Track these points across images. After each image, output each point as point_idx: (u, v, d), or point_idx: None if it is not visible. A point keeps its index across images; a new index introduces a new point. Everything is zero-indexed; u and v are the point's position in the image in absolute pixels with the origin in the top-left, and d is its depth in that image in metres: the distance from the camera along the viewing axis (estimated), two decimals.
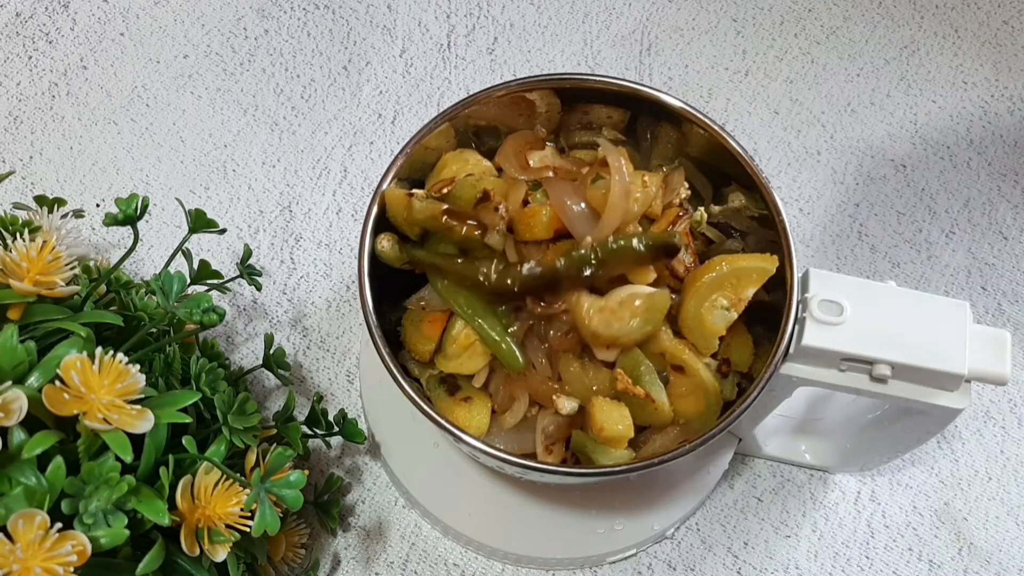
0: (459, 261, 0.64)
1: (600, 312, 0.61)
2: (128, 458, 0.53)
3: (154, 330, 0.65)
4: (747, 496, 0.78)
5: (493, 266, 0.63)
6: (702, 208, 0.68)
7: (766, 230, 0.65)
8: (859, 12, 0.99)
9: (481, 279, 0.63)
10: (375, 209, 0.65)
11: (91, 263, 0.71)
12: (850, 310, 0.59)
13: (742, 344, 0.66)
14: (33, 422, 0.53)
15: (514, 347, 0.63)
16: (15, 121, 0.92)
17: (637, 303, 0.61)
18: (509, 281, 0.62)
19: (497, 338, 0.63)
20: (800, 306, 0.61)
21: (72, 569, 0.49)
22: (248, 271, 0.77)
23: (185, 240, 0.71)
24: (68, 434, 0.54)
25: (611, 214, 0.62)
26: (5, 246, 0.60)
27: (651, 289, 0.62)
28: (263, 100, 0.94)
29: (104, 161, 0.91)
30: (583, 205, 0.63)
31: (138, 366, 0.55)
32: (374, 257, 0.65)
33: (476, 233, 0.64)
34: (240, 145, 0.92)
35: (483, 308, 0.64)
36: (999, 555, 0.76)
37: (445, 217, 0.64)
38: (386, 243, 0.66)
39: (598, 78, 0.69)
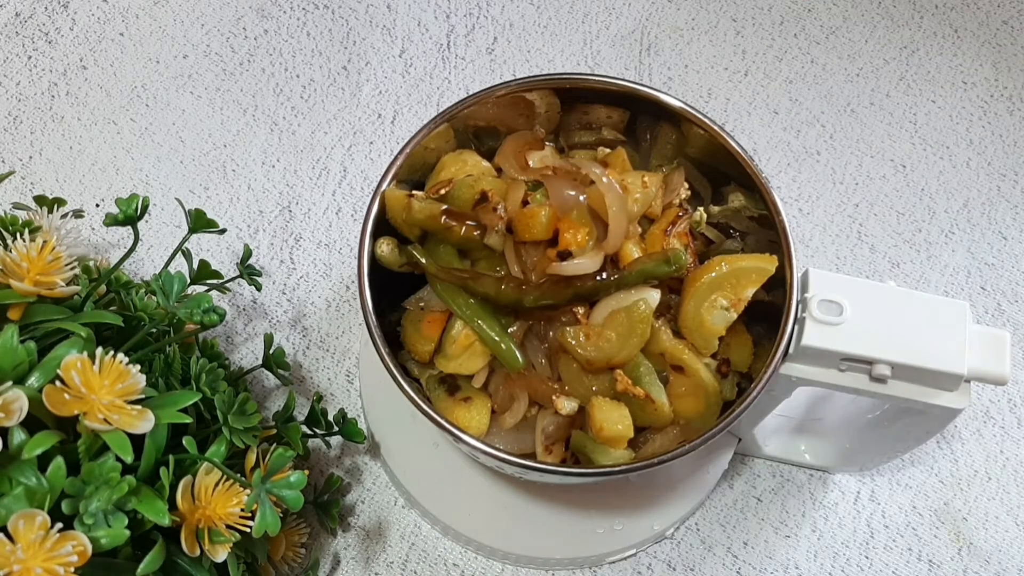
0: (465, 274, 0.64)
1: (587, 338, 0.61)
2: (128, 458, 0.53)
3: (154, 330, 0.64)
4: (747, 496, 0.78)
5: (503, 287, 0.63)
6: (701, 208, 0.68)
7: (766, 230, 0.65)
8: (859, 12, 0.99)
9: (492, 293, 0.63)
10: (375, 209, 0.65)
11: (91, 263, 0.71)
12: (850, 310, 0.59)
13: (742, 344, 0.66)
14: (33, 422, 0.53)
15: (514, 347, 0.63)
16: (15, 121, 0.92)
17: (620, 319, 0.61)
18: (521, 301, 0.63)
19: (497, 338, 0.63)
20: (800, 306, 0.61)
21: (73, 569, 0.49)
22: (248, 271, 0.77)
23: (185, 240, 0.71)
24: (68, 434, 0.54)
25: (616, 225, 0.62)
26: (5, 246, 0.60)
27: (631, 297, 0.62)
28: (263, 100, 0.94)
29: (103, 161, 0.91)
30: (583, 201, 0.64)
31: (138, 366, 0.55)
32: (374, 257, 0.65)
33: (475, 234, 0.64)
34: (240, 145, 0.92)
35: (482, 309, 0.64)
36: (999, 555, 0.76)
37: (444, 217, 0.64)
38: (385, 247, 0.66)
39: (598, 78, 0.69)
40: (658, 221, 0.67)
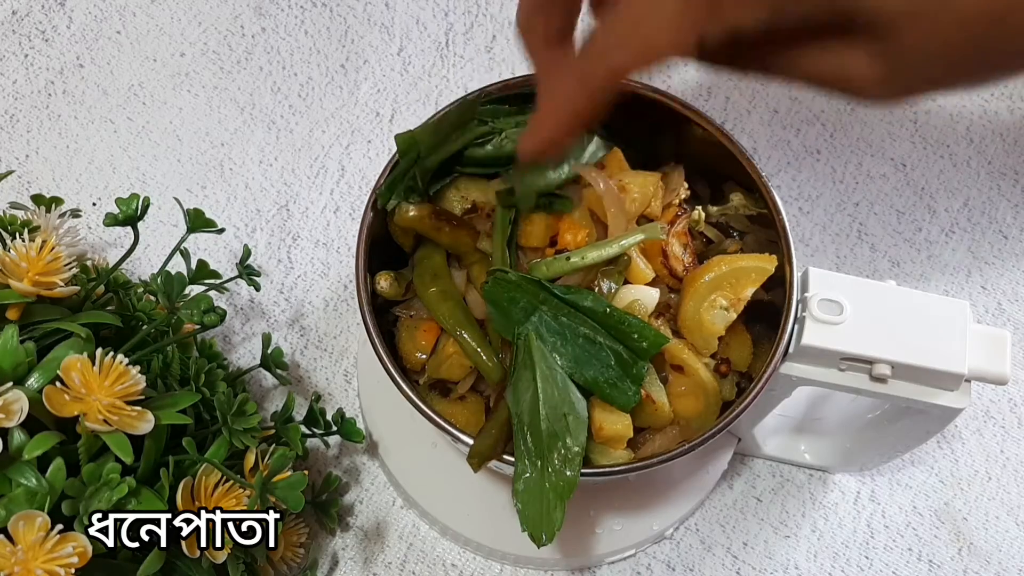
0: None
1: None
2: (128, 459, 0.53)
3: (152, 331, 0.64)
4: (746, 496, 0.78)
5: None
6: (700, 208, 0.68)
7: (765, 229, 0.65)
8: None
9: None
10: (372, 208, 0.65)
11: (88, 262, 0.70)
12: (850, 309, 0.59)
13: (741, 344, 0.66)
14: (33, 423, 0.53)
15: (496, 359, 0.63)
16: (11, 120, 0.92)
17: None
18: None
19: (478, 349, 0.63)
20: (800, 305, 0.61)
21: (73, 571, 0.49)
22: (247, 271, 0.77)
23: (183, 240, 0.71)
24: (68, 435, 0.54)
25: (615, 226, 0.63)
26: (4, 246, 0.60)
27: (629, 296, 0.62)
28: (260, 98, 0.94)
29: (100, 160, 0.91)
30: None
31: (137, 367, 0.55)
32: (371, 256, 0.64)
33: (467, 237, 0.64)
34: (237, 144, 0.92)
35: (465, 319, 0.64)
36: (999, 555, 0.76)
37: (432, 218, 0.64)
38: (384, 283, 0.66)
39: None
40: (657, 221, 0.66)
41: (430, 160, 0.64)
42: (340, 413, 0.74)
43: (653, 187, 0.66)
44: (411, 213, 0.64)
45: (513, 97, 0.67)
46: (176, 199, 0.78)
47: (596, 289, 0.62)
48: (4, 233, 0.64)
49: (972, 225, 0.89)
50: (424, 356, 0.66)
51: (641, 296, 0.62)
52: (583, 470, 0.61)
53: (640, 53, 0.45)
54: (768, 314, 0.63)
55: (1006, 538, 0.77)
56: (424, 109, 0.94)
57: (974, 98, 0.95)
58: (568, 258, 0.61)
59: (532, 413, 0.58)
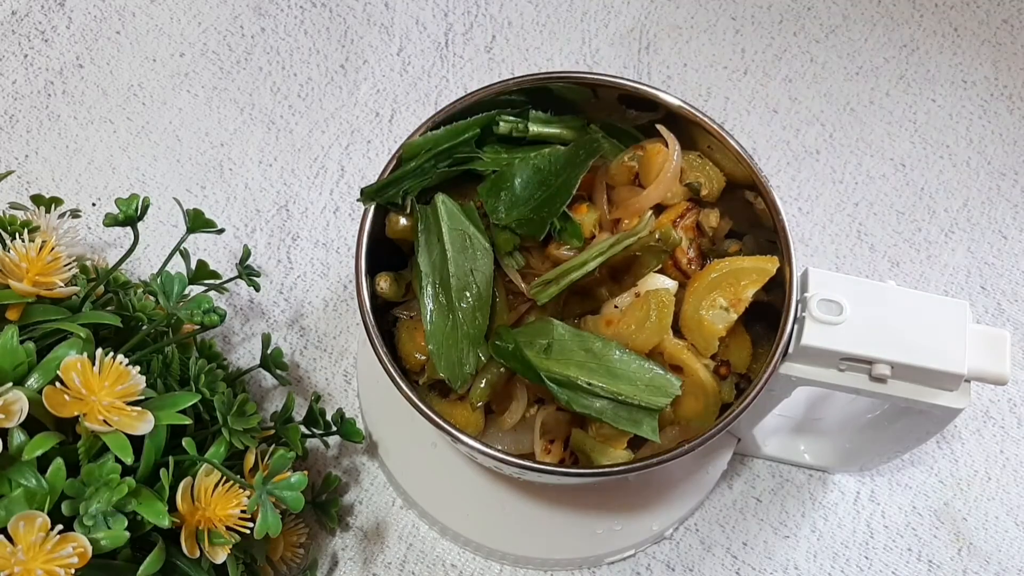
0: None
1: (608, 325, 0.61)
2: (128, 460, 0.53)
3: (152, 331, 0.64)
4: (746, 496, 0.78)
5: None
6: (712, 209, 0.68)
7: (765, 230, 0.65)
8: (858, 11, 0.99)
9: None
10: (372, 209, 0.65)
11: (88, 263, 0.70)
12: (849, 310, 0.59)
13: (741, 345, 0.66)
14: (33, 424, 0.53)
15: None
16: (11, 120, 0.92)
17: (640, 306, 0.61)
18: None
19: None
20: (799, 305, 0.61)
21: (73, 571, 0.49)
22: (247, 272, 0.77)
23: (183, 240, 0.71)
24: (68, 436, 0.54)
25: (659, 187, 0.64)
26: (4, 246, 0.60)
27: (654, 285, 0.62)
28: (260, 99, 0.94)
29: (100, 160, 0.90)
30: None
31: (137, 367, 0.55)
32: (371, 256, 0.64)
33: None
34: (237, 144, 0.92)
35: None
36: (999, 555, 0.76)
37: None
38: (384, 283, 0.66)
39: (596, 76, 0.69)
40: (667, 211, 0.66)
41: (425, 175, 0.64)
42: (340, 413, 0.74)
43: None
44: (401, 224, 0.65)
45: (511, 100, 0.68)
46: (176, 199, 0.78)
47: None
48: (4, 233, 0.64)
49: (972, 225, 0.89)
50: (424, 356, 0.66)
51: (661, 285, 0.63)
52: (583, 470, 0.61)
53: None
54: (768, 314, 0.63)
55: (1006, 538, 0.77)
56: (424, 109, 0.94)
57: (974, 98, 0.95)
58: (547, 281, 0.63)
59: (442, 270, 0.63)
